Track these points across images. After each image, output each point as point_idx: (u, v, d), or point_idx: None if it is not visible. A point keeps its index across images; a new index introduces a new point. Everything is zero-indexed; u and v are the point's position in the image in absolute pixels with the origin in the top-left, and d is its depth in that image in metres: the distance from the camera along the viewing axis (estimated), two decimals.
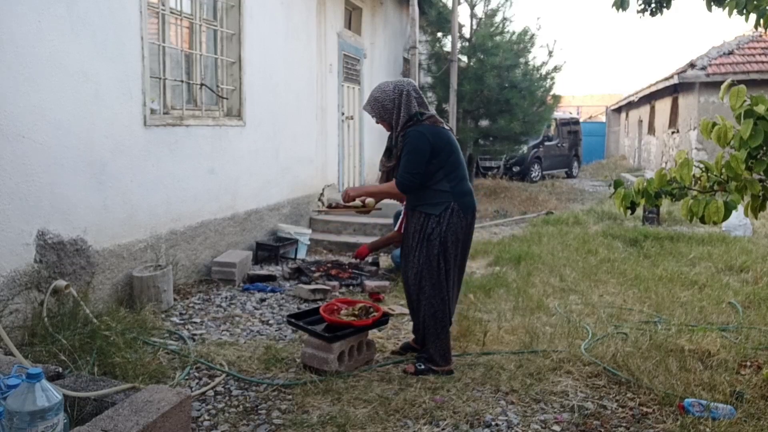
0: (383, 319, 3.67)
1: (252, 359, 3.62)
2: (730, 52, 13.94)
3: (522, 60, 12.07)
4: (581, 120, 23.41)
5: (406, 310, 4.66)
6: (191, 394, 2.85)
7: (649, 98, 18.19)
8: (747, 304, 4.87)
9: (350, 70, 9.13)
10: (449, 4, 11.60)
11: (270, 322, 4.47)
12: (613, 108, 25.73)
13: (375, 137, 10.24)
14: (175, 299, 4.79)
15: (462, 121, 11.73)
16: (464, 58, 12.21)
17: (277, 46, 6.72)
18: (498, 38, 11.88)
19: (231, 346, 3.86)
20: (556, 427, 2.86)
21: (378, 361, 3.66)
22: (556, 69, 12.50)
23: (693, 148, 13.27)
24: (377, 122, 3.59)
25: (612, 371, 3.42)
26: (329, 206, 3.44)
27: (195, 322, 4.37)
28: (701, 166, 2.78)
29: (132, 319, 4.02)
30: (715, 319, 4.48)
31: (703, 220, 2.61)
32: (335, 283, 5.46)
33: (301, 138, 7.41)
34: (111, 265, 4.40)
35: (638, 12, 5.08)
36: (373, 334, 3.96)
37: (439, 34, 12.34)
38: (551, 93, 12.83)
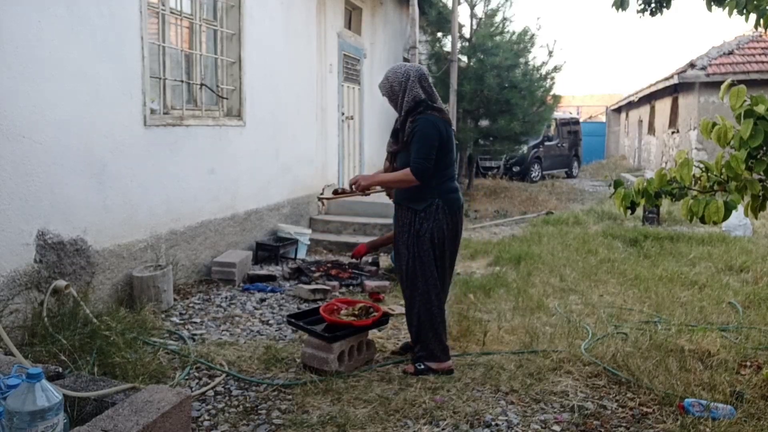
0: (383, 319, 3.67)
1: (252, 359, 3.62)
2: (730, 52, 13.95)
3: (522, 60, 12.07)
4: (581, 120, 23.41)
5: None
6: (191, 394, 2.85)
7: (649, 98, 18.20)
8: (747, 304, 4.87)
9: (350, 70, 9.13)
10: (449, 4, 11.60)
11: (270, 322, 4.47)
12: (613, 108, 25.74)
13: (375, 137, 10.25)
14: (175, 299, 4.79)
15: (462, 121, 11.73)
16: (464, 58, 12.21)
17: (277, 46, 6.72)
18: (498, 38, 11.89)
19: (231, 346, 3.86)
20: (556, 427, 2.86)
21: (378, 361, 3.66)
22: (556, 69, 12.50)
23: (693, 148, 13.28)
24: (389, 102, 3.63)
25: (612, 371, 3.42)
26: (335, 192, 3.56)
27: (195, 322, 4.37)
28: (701, 166, 2.78)
29: (132, 319, 4.02)
30: (715, 319, 4.48)
31: (703, 220, 2.61)
32: (335, 283, 5.46)
33: (301, 138, 7.41)
34: (111, 265, 4.40)
35: (638, 12, 5.08)
36: (373, 334, 3.96)
37: (439, 34, 12.34)
38: (551, 93, 12.84)
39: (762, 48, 13.85)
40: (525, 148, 14.74)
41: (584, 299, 5.00)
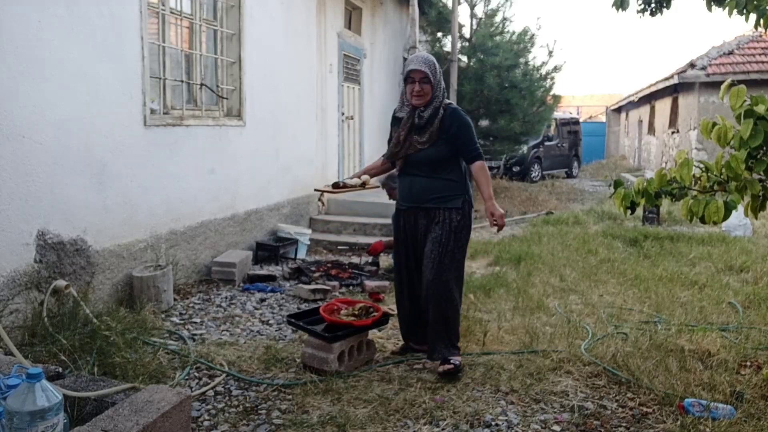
0: (383, 319, 3.67)
1: (252, 359, 3.62)
2: (730, 52, 13.94)
3: (522, 60, 12.07)
4: (581, 120, 23.41)
5: None
6: (191, 394, 2.85)
7: (649, 98, 18.20)
8: (747, 304, 4.87)
9: (350, 70, 9.13)
10: (449, 4, 11.61)
11: (270, 322, 4.47)
12: (613, 108, 25.74)
13: (375, 137, 10.24)
14: (175, 299, 4.79)
15: None
16: (464, 58, 12.22)
17: (277, 46, 6.72)
18: (498, 38, 11.90)
19: (231, 346, 3.86)
20: (556, 427, 2.86)
21: (378, 361, 3.66)
22: (556, 69, 12.51)
23: (693, 148, 13.28)
24: (418, 88, 3.32)
25: (612, 371, 3.42)
26: (335, 185, 3.44)
27: (195, 322, 4.37)
28: (701, 166, 2.78)
29: (132, 319, 4.02)
30: (715, 319, 4.48)
31: (703, 220, 2.61)
32: (335, 283, 5.46)
33: (301, 138, 7.41)
34: (111, 265, 4.40)
35: (638, 12, 5.08)
36: (373, 334, 3.96)
37: (439, 34, 12.35)
38: (551, 93, 12.84)
39: (762, 48, 13.85)
40: (525, 148, 14.74)
41: (584, 299, 5.00)
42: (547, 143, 16.98)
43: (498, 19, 12.29)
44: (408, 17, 9.97)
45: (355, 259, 6.43)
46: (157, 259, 4.82)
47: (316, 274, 5.70)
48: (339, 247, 7.02)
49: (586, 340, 3.90)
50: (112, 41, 4.31)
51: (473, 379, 3.36)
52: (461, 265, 3.48)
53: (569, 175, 18.58)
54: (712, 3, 4.20)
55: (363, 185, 3.61)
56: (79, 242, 4.07)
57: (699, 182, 2.77)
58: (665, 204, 7.91)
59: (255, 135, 6.28)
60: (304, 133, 7.50)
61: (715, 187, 2.71)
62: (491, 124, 12.14)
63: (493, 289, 5.19)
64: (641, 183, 2.88)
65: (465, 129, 3.38)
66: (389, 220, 6.61)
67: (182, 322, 4.38)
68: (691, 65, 13.55)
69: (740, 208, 2.81)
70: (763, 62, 13.23)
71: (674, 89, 14.96)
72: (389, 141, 3.59)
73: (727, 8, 3.77)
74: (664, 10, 4.97)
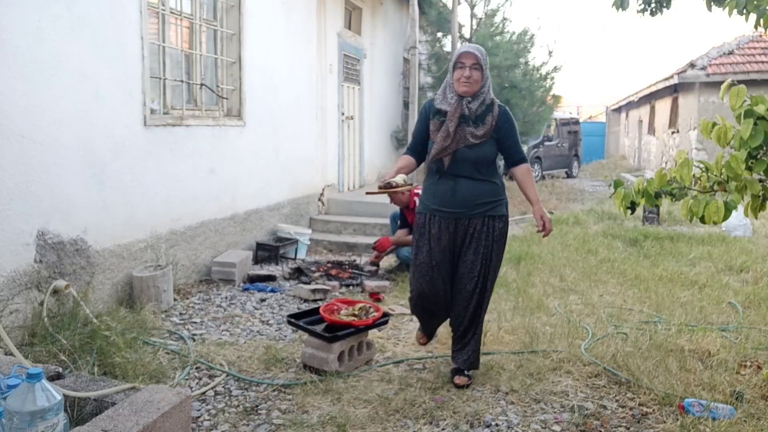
0: (383, 319, 3.67)
1: (252, 359, 3.62)
2: (730, 52, 13.94)
3: (522, 60, 12.07)
4: (581, 120, 23.40)
5: (407, 310, 4.67)
6: (191, 394, 2.85)
7: (649, 98, 18.20)
8: (747, 304, 4.87)
9: (350, 70, 9.13)
10: (449, 4, 11.60)
11: (270, 322, 4.47)
12: (613, 108, 25.74)
13: (375, 137, 10.25)
14: (175, 299, 4.79)
15: None
16: None
17: (277, 46, 6.72)
18: (498, 38, 11.89)
19: (231, 346, 3.86)
20: (556, 427, 2.86)
21: (378, 361, 3.66)
22: (555, 69, 12.50)
23: (693, 148, 13.28)
24: (468, 74, 3.10)
25: (612, 371, 3.42)
26: (386, 185, 3.05)
27: (195, 322, 4.37)
28: (701, 166, 2.78)
29: (132, 319, 4.02)
30: (715, 319, 4.48)
31: (703, 220, 2.61)
32: (335, 283, 5.46)
33: (301, 138, 7.41)
34: (111, 265, 4.40)
35: (638, 12, 5.08)
36: (373, 334, 3.96)
37: (439, 34, 12.34)
38: (551, 93, 12.83)
39: (762, 48, 13.85)
40: (525, 148, 14.70)
41: (584, 299, 5.00)
42: (547, 143, 16.97)
43: (498, 19, 12.28)
44: (408, 17, 9.97)
45: (356, 259, 6.42)
46: (157, 259, 4.82)
47: (316, 274, 5.71)
48: (347, 259, 7.00)
49: (586, 340, 3.90)
50: (112, 41, 4.31)
51: (473, 379, 3.36)
52: (497, 273, 3.35)
53: (569, 175, 18.57)
54: (712, 3, 4.21)
55: (411, 185, 3.25)
56: (79, 242, 4.07)
57: (699, 182, 2.77)
58: (665, 204, 7.91)
59: (255, 135, 6.28)
60: (304, 133, 7.50)
61: (715, 187, 2.71)
62: None
63: (494, 289, 5.19)
64: (641, 183, 2.88)
65: (515, 129, 3.23)
66: (388, 220, 6.62)
67: (182, 322, 4.38)
68: (691, 65, 13.55)
69: (740, 208, 2.82)
70: (763, 62, 13.23)
71: (674, 89, 14.96)
72: (416, 134, 3.30)
73: (727, 8, 3.77)
74: (664, 10, 4.97)
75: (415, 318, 4.51)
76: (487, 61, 3.19)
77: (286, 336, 4.14)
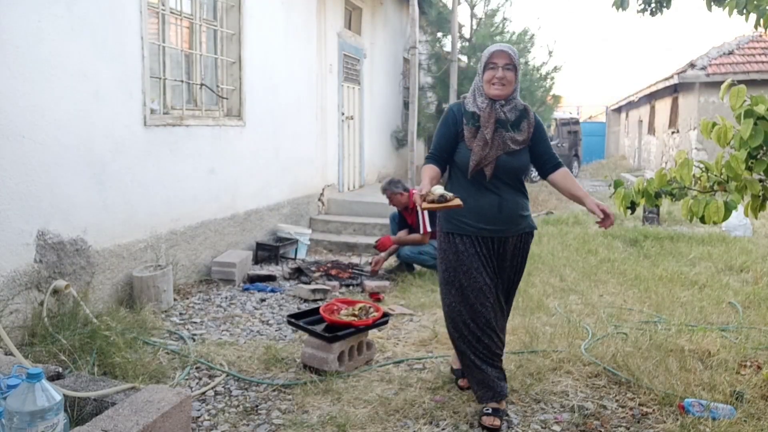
0: (383, 319, 3.67)
1: (252, 359, 3.62)
2: (730, 52, 13.94)
3: (522, 60, 12.06)
4: (581, 120, 23.40)
5: (407, 310, 4.68)
6: (191, 394, 2.85)
7: (649, 98, 18.20)
8: (747, 304, 4.87)
9: (350, 70, 9.13)
10: (449, 4, 11.60)
11: (270, 322, 4.47)
12: (613, 108, 25.73)
13: (375, 137, 10.24)
14: (175, 299, 4.79)
15: None
16: (464, 58, 12.21)
17: (277, 46, 6.72)
18: (498, 38, 11.88)
19: (231, 346, 3.86)
20: (556, 427, 2.86)
21: (378, 361, 3.66)
22: (555, 69, 12.50)
23: (693, 148, 13.27)
24: (501, 74, 2.78)
25: (612, 371, 3.42)
26: (440, 198, 2.59)
27: (195, 322, 4.37)
28: (701, 166, 2.78)
29: (132, 319, 4.02)
30: (715, 319, 4.48)
31: (703, 220, 2.61)
32: (335, 283, 5.46)
33: (301, 138, 7.41)
34: (111, 265, 4.40)
35: (638, 12, 5.08)
36: (373, 334, 3.96)
37: (439, 34, 12.33)
38: (551, 93, 12.83)
39: (762, 48, 13.84)
40: None
41: (584, 299, 5.00)
42: None
43: (498, 19, 12.28)
44: (408, 17, 9.96)
45: (355, 259, 6.43)
46: (157, 259, 4.82)
47: (316, 274, 5.70)
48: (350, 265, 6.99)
49: (586, 340, 3.90)
50: (112, 41, 4.31)
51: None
52: None
53: None
54: (712, 3, 4.20)
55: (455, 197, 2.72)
56: (79, 242, 4.07)
57: (699, 182, 2.77)
58: (665, 204, 7.92)
59: (255, 135, 6.28)
60: (304, 133, 7.50)
61: (715, 187, 2.71)
62: None
63: None
64: (641, 183, 2.88)
65: (546, 134, 2.98)
66: (388, 221, 6.62)
67: (182, 322, 4.38)
68: (691, 65, 13.55)
69: (740, 208, 2.82)
70: (763, 62, 13.22)
71: (674, 89, 14.96)
72: (441, 141, 2.89)
73: (727, 8, 3.77)
74: (664, 9, 4.97)
75: (414, 318, 4.53)
76: (519, 61, 2.88)
77: (286, 336, 4.14)
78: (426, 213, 5.64)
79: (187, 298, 4.92)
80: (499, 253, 2.87)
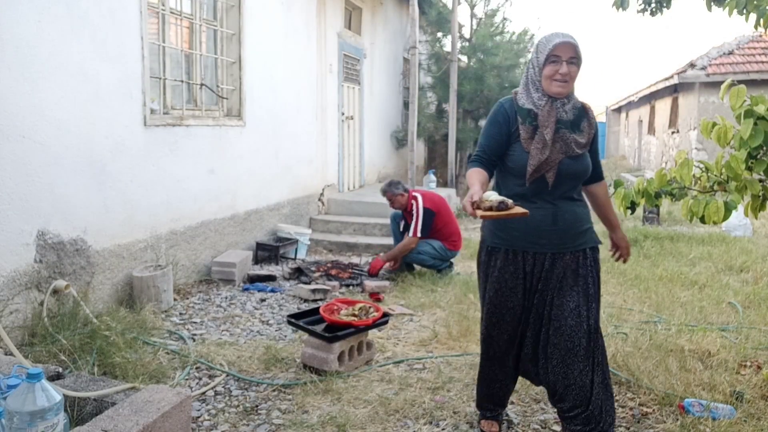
0: (383, 319, 3.67)
1: (252, 359, 3.62)
2: (730, 52, 13.94)
3: (522, 60, 12.06)
4: None
5: (407, 310, 4.67)
6: (191, 394, 2.85)
7: (649, 98, 18.19)
8: (747, 304, 4.87)
9: (350, 70, 9.13)
10: (449, 4, 11.60)
11: (270, 322, 4.47)
12: (613, 108, 25.73)
13: (375, 137, 10.25)
14: (175, 299, 4.79)
15: (462, 121, 11.73)
16: (464, 58, 12.21)
17: (277, 46, 6.72)
18: (498, 38, 11.88)
19: (231, 346, 3.86)
20: (556, 427, 2.86)
21: (378, 361, 3.66)
22: None
23: (693, 148, 13.27)
24: (565, 70, 2.39)
25: (612, 371, 3.41)
26: (489, 208, 2.22)
27: (195, 322, 4.37)
28: (701, 166, 2.78)
29: (132, 319, 4.02)
30: (715, 319, 4.48)
31: (703, 220, 2.61)
32: (335, 283, 5.46)
33: (301, 138, 7.41)
34: (111, 265, 4.40)
35: (638, 12, 5.08)
36: (373, 334, 3.96)
37: (439, 34, 12.34)
38: None
39: (762, 48, 13.84)
40: None
41: None
42: None
43: (498, 19, 12.28)
44: (408, 17, 9.96)
45: (355, 259, 6.43)
46: (157, 259, 4.82)
47: (316, 274, 5.70)
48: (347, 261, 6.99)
49: None
50: (112, 41, 4.31)
51: (473, 379, 3.36)
52: None
53: None
54: (712, 3, 4.20)
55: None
56: (79, 242, 4.07)
57: (699, 182, 2.77)
58: (665, 204, 7.91)
59: (255, 135, 6.28)
60: (304, 133, 7.50)
61: (715, 187, 2.71)
62: None
63: None
64: (641, 183, 2.88)
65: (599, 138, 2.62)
66: (389, 220, 6.62)
67: (182, 322, 4.38)
68: (691, 65, 13.55)
69: (740, 208, 2.82)
70: (763, 62, 13.22)
71: (674, 89, 14.96)
72: (489, 142, 2.51)
73: (727, 8, 3.77)
74: (664, 9, 4.97)
75: (414, 318, 4.53)
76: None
77: (286, 336, 4.14)
78: (420, 218, 5.66)
79: (187, 298, 4.92)
80: (548, 271, 2.48)
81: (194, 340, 3.97)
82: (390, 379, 3.36)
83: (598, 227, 2.78)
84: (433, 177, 10.09)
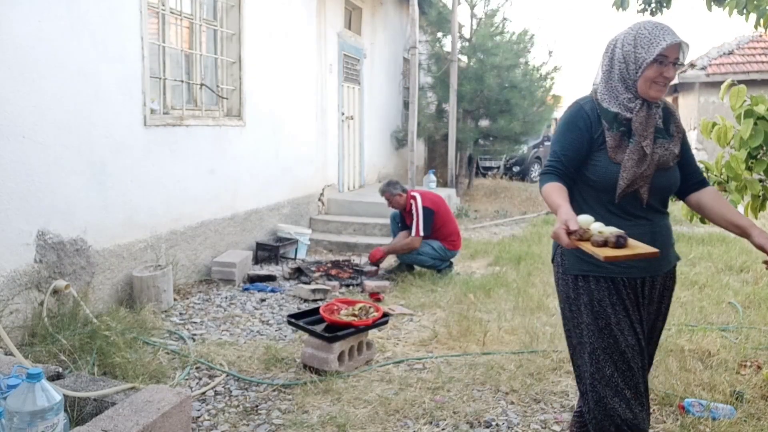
0: (383, 319, 3.67)
1: (252, 359, 3.62)
2: (730, 52, 13.95)
3: (522, 60, 12.06)
4: None
5: (407, 310, 4.68)
6: (191, 394, 2.85)
7: None
8: (747, 304, 4.87)
9: (350, 70, 9.13)
10: (449, 4, 11.60)
11: (270, 322, 4.47)
12: None
13: (375, 137, 10.25)
14: (175, 299, 4.79)
15: (462, 121, 11.73)
16: (464, 58, 12.21)
17: (277, 46, 6.72)
18: (498, 38, 11.88)
19: (231, 346, 3.86)
20: (556, 427, 2.86)
21: (378, 361, 3.66)
22: (555, 69, 12.50)
23: (693, 148, 13.26)
24: (672, 73, 2.05)
25: None
26: (602, 243, 1.78)
27: (195, 322, 4.37)
28: (701, 166, 2.78)
29: (132, 319, 4.02)
30: (715, 319, 4.48)
31: (703, 220, 2.61)
32: (335, 283, 5.46)
33: (301, 138, 7.41)
34: (111, 265, 4.40)
35: (638, 12, 5.09)
36: (373, 334, 3.96)
37: (439, 34, 12.34)
38: (551, 93, 12.83)
39: (762, 48, 13.85)
40: (525, 148, 14.73)
41: None
42: (546, 143, 16.96)
43: (498, 19, 12.28)
44: (408, 17, 9.96)
45: (355, 259, 6.43)
46: (157, 259, 4.82)
47: (316, 274, 5.70)
48: (344, 259, 6.99)
49: None
50: (112, 41, 4.31)
51: (473, 379, 3.36)
52: None
53: None
54: (712, 3, 4.21)
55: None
56: (79, 242, 4.07)
57: None
58: None
59: (255, 135, 6.28)
60: (304, 133, 7.50)
61: (716, 187, 2.71)
62: (491, 124, 12.14)
63: (493, 289, 5.19)
64: None
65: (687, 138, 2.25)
66: (388, 220, 6.63)
67: (182, 322, 4.38)
68: (691, 65, 13.55)
69: (740, 208, 2.81)
70: (763, 62, 13.23)
71: (674, 89, 14.96)
72: (567, 151, 2.08)
73: (727, 8, 3.77)
74: (664, 9, 4.98)
75: (414, 318, 4.53)
76: None
77: (286, 336, 4.14)
78: (421, 216, 5.63)
79: (187, 298, 4.92)
80: (646, 296, 2.15)
81: (194, 340, 3.97)
82: (390, 379, 3.36)
83: None
84: (433, 177, 10.09)
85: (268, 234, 6.63)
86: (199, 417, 2.92)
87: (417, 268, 5.88)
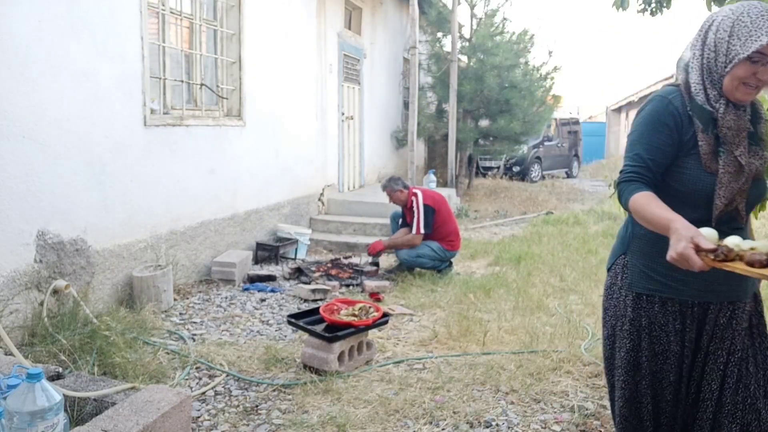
0: (383, 319, 3.67)
1: (252, 359, 3.62)
2: None
3: (522, 60, 12.07)
4: (581, 120, 23.42)
5: (407, 310, 4.68)
6: (191, 394, 2.85)
7: None
8: None
9: (350, 70, 9.13)
10: (449, 4, 11.61)
11: (270, 322, 4.47)
12: (613, 108, 25.75)
13: (375, 137, 10.25)
14: (175, 299, 4.79)
15: (462, 121, 11.74)
16: (464, 58, 12.22)
17: (277, 46, 6.72)
18: (498, 38, 11.88)
19: (231, 346, 3.86)
20: (556, 427, 2.86)
21: (378, 361, 3.66)
22: (555, 69, 12.50)
23: None
24: (765, 79, 1.70)
25: None
26: (751, 263, 1.45)
27: (195, 322, 4.37)
28: None
29: (132, 319, 4.02)
30: None
31: None
32: (335, 283, 5.46)
33: (301, 138, 7.41)
34: (111, 265, 4.40)
35: (638, 11, 5.08)
36: (373, 334, 3.96)
37: (439, 34, 12.34)
38: (551, 93, 12.84)
39: None
40: (525, 148, 14.73)
41: (584, 299, 5.00)
42: (547, 143, 16.99)
43: (498, 19, 12.28)
44: (408, 17, 9.97)
45: (355, 259, 6.43)
46: (157, 259, 4.82)
47: (316, 274, 5.71)
48: (344, 256, 6.99)
49: (586, 340, 3.90)
50: (112, 41, 4.31)
51: (473, 379, 3.36)
52: None
53: (569, 175, 18.59)
54: (712, 3, 4.20)
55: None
56: (79, 242, 4.07)
57: None
58: None
59: (255, 135, 6.28)
60: (304, 133, 7.50)
61: None
62: (491, 124, 12.15)
63: (493, 289, 5.20)
64: None
65: None
66: (388, 220, 6.63)
67: (182, 322, 4.38)
68: None
69: None
70: None
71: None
72: (653, 153, 1.76)
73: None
74: (664, 9, 4.97)
75: (414, 318, 4.53)
76: None
77: (286, 336, 4.14)
78: (422, 214, 5.64)
79: (187, 298, 4.92)
80: (724, 327, 1.82)
81: (194, 340, 3.97)
82: (390, 379, 3.36)
83: None
84: (433, 177, 10.10)
85: (268, 234, 6.64)
86: (199, 417, 2.92)
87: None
